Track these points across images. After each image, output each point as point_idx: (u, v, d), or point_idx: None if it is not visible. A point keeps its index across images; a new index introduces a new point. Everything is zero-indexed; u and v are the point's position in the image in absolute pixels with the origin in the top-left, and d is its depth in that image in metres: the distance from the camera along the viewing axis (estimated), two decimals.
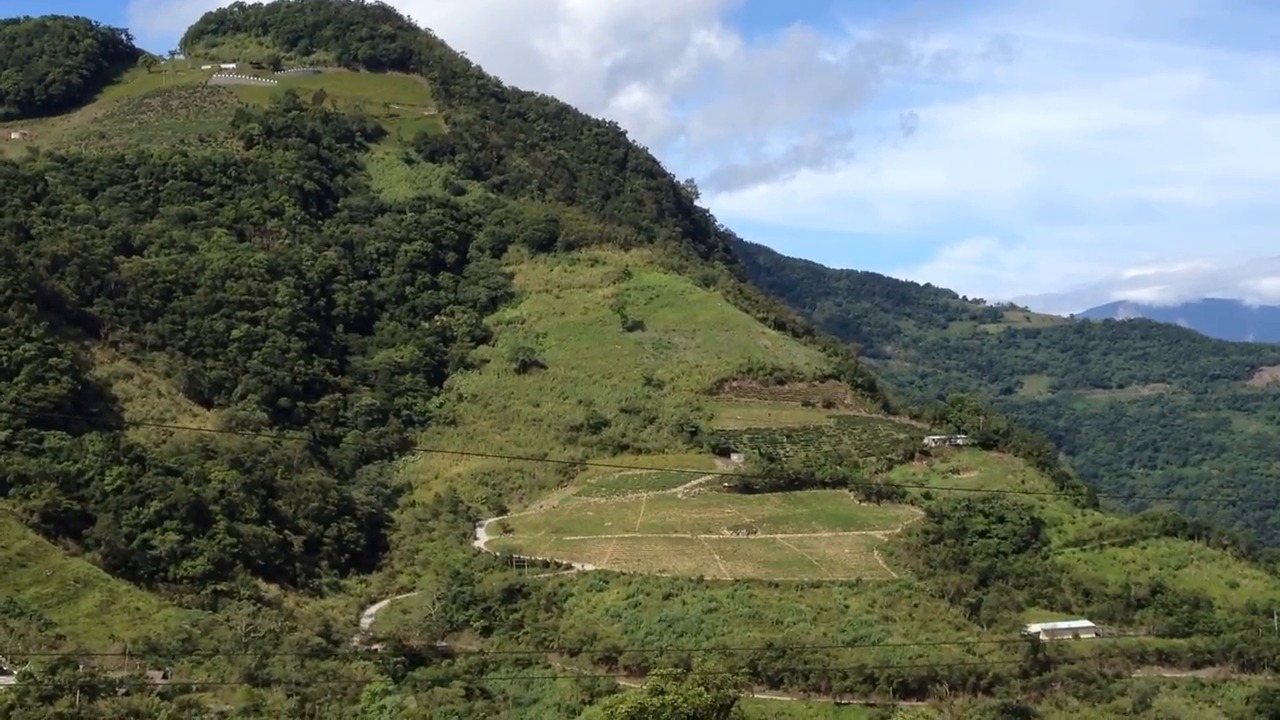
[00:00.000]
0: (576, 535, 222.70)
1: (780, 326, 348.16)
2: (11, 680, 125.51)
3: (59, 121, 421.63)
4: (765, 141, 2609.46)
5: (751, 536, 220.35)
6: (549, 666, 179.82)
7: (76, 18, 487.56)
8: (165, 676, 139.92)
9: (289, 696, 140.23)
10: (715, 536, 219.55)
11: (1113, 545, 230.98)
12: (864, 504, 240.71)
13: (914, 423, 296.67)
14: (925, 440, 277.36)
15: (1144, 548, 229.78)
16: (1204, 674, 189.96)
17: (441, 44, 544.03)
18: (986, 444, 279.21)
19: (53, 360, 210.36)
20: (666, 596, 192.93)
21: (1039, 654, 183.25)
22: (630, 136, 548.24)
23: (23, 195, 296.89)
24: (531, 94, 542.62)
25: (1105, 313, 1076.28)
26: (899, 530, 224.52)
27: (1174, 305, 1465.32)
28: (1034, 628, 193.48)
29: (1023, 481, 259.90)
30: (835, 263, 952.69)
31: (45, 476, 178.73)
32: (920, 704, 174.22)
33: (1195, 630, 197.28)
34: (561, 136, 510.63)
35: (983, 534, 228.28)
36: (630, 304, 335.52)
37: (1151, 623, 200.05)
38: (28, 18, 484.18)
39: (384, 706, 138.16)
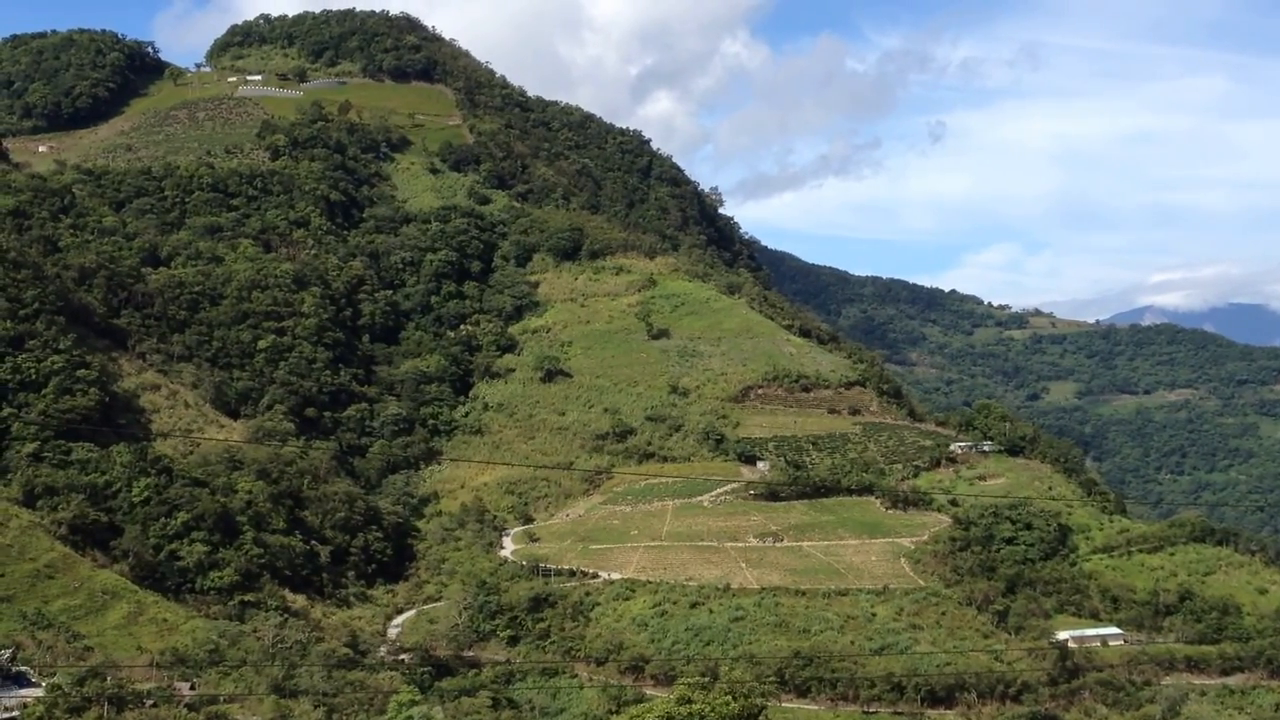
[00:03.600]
0: (602, 544, 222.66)
1: (805, 334, 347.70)
2: (40, 692, 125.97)
3: (86, 134, 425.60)
4: (792, 150, 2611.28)
5: (778, 544, 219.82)
6: (576, 676, 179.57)
7: (103, 31, 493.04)
8: (193, 688, 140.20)
9: (316, 707, 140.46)
10: (741, 544, 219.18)
11: (1141, 552, 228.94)
12: (890, 511, 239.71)
13: (940, 429, 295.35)
14: (951, 447, 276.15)
15: (1172, 554, 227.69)
16: (1233, 680, 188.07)
17: (466, 54, 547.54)
18: (1013, 450, 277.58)
19: (80, 372, 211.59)
20: (693, 605, 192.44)
21: (1067, 661, 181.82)
22: (657, 145, 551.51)
23: (50, 208, 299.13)
24: (555, 103, 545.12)
25: (1131, 318, 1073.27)
26: (926, 537, 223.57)
27: (1200, 310, 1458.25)
28: (1062, 635, 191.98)
29: (1049, 488, 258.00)
30: (860, 269, 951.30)
31: (73, 488, 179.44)
32: (948, 712, 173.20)
33: (1224, 637, 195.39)
34: (586, 145, 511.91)
35: (1010, 541, 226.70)
36: (655, 312, 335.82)
37: (1180, 629, 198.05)
38: (55, 31, 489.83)
39: (411, 717, 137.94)
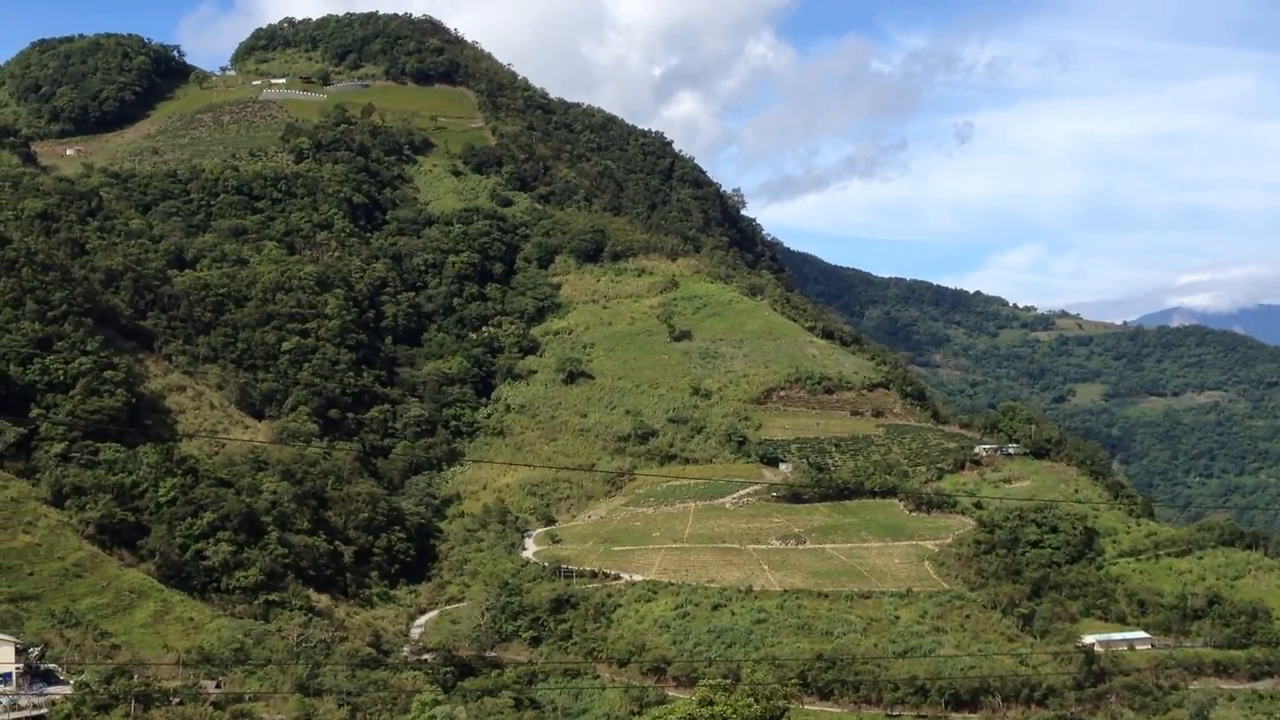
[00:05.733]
0: (624, 545, 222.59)
1: (828, 335, 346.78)
2: (68, 689, 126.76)
3: (113, 138, 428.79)
4: (817, 152, 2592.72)
5: (800, 547, 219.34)
6: (598, 677, 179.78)
7: (129, 35, 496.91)
8: (218, 686, 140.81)
9: (340, 706, 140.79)
10: (764, 546, 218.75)
11: (1168, 555, 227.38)
12: (914, 514, 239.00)
13: (964, 432, 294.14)
14: (976, 449, 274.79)
15: (1200, 558, 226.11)
16: (1262, 685, 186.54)
17: (488, 56, 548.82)
18: (1038, 453, 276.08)
19: (108, 373, 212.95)
20: (715, 607, 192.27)
21: (1094, 665, 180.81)
22: (681, 146, 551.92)
23: (78, 211, 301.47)
24: (578, 105, 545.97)
25: (1159, 319, 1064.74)
26: (950, 540, 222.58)
27: (1230, 311, 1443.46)
28: (1088, 639, 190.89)
29: (1076, 491, 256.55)
30: (884, 271, 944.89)
31: (101, 488, 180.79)
32: (972, 716, 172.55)
33: (1253, 641, 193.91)
34: (608, 147, 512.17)
35: (1035, 544, 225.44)
36: (677, 314, 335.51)
37: (1208, 634, 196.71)
38: (82, 36, 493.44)
39: (434, 716, 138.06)
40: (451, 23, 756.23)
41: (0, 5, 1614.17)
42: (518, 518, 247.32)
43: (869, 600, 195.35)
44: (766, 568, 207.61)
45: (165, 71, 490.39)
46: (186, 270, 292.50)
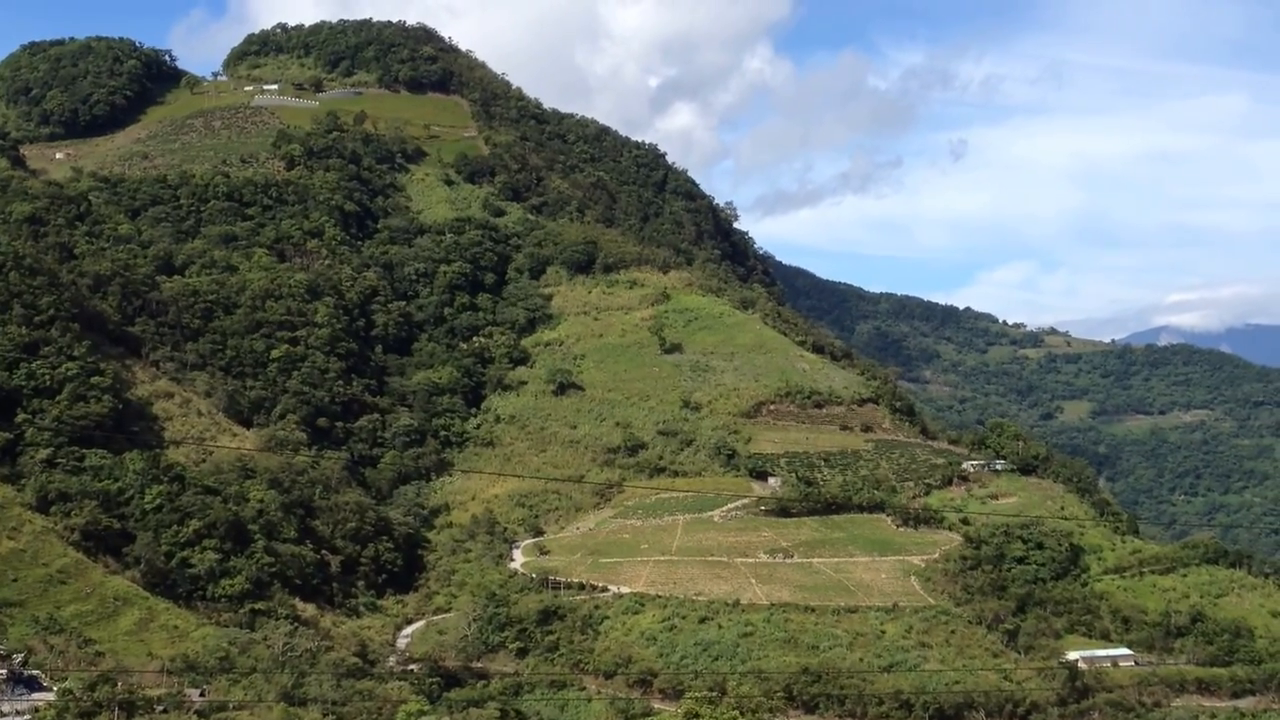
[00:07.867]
0: (612, 557, 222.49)
1: (819, 350, 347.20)
2: (51, 697, 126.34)
3: (103, 142, 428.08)
4: (812, 166, 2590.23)
5: (788, 560, 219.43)
6: (584, 689, 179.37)
7: (121, 39, 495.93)
8: (202, 694, 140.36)
9: (325, 715, 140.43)
10: (751, 560, 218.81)
11: (1153, 573, 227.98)
12: (901, 529, 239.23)
13: (952, 448, 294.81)
14: (963, 465, 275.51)
15: (1184, 576, 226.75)
16: (1244, 704, 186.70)
17: (482, 65, 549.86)
18: (1025, 470, 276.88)
19: (94, 379, 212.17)
20: (702, 620, 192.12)
21: (1077, 682, 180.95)
22: (676, 158, 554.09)
23: (66, 215, 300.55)
24: (571, 115, 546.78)
25: (1147, 338, 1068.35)
26: (936, 556, 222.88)
27: (1218, 331, 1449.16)
28: (1072, 655, 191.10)
29: (1062, 508, 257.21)
30: (875, 286, 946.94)
31: (86, 495, 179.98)
32: None
33: (1236, 659, 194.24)
34: (601, 158, 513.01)
35: (1021, 560, 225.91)
36: (668, 326, 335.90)
37: (1191, 651, 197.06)
38: (73, 39, 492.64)
39: None
40: (446, 31, 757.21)
41: None
42: (506, 529, 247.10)
43: (855, 615, 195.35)
44: (754, 581, 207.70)
45: (156, 76, 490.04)
46: (175, 276, 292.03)
